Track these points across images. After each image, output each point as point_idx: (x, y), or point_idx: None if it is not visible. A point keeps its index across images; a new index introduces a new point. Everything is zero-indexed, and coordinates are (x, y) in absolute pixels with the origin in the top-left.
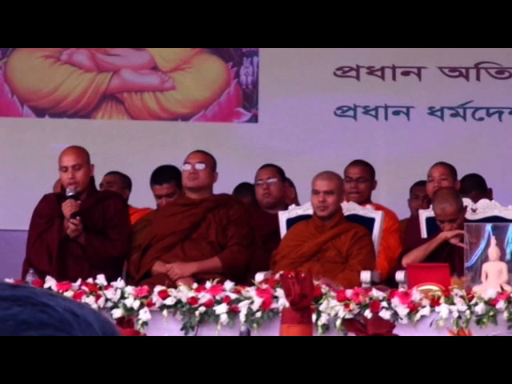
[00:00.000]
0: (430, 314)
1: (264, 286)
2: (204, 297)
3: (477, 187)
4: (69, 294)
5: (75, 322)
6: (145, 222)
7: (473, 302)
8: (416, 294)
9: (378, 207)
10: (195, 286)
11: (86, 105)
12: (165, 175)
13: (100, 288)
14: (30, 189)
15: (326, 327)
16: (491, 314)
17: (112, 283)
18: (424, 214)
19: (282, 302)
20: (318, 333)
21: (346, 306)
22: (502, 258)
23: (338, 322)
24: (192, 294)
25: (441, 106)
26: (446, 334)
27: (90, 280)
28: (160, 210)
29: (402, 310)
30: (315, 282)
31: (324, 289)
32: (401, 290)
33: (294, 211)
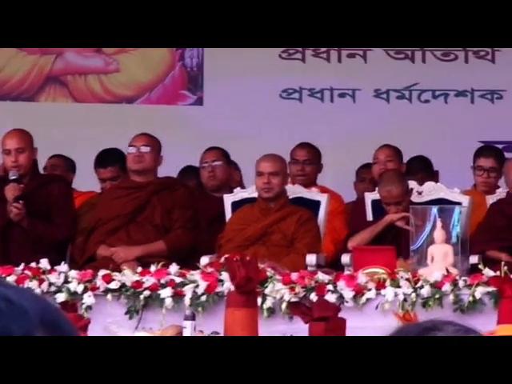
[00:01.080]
0: (375, 296)
1: (209, 270)
2: (148, 280)
3: (423, 169)
4: (11, 278)
5: (8, 310)
6: (89, 205)
7: (418, 284)
8: (362, 277)
9: (323, 190)
10: (140, 269)
11: (29, 87)
12: (109, 158)
13: (43, 272)
14: None
15: (271, 311)
16: (437, 296)
17: (56, 267)
18: (370, 197)
19: (227, 286)
20: (264, 316)
21: (292, 289)
22: (447, 240)
23: (284, 306)
24: (136, 277)
25: (386, 88)
26: (392, 316)
27: (33, 264)
28: (104, 193)
29: (348, 293)
30: (260, 266)
31: (269, 272)
32: (346, 272)
33: (239, 194)
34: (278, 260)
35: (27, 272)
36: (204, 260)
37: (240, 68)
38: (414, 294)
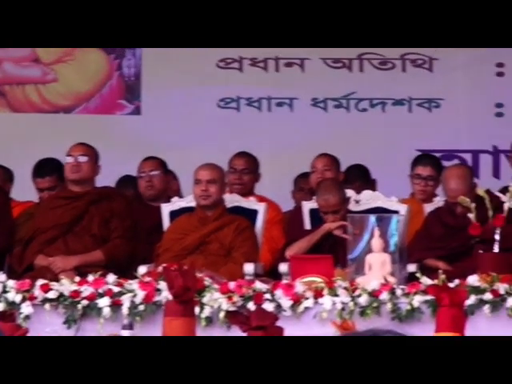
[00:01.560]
0: (313, 305)
1: (147, 279)
2: (86, 290)
3: (360, 178)
4: None
5: None
6: (27, 215)
7: (356, 293)
8: (299, 286)
9: (261, 199)
10: (77, 279)
11: None
12: (47, 168)
13: None
14: None
15: (209, 320)
16: (375, 305)
17: None
18: (307, 206)
19: (165, 295)
20: (202, 326)
21: (229, 298)
22: (385, 249)
23: (222, 315)
24: (74, 287)
25: (324, 97)
26: (330, 325)
27: None
28: (42, 203)
29: (286, 302)
30: (198, 275)
31: (207, 281)
32: (284, 281)
33: (177, 203)
34: (216, 269)
35: None
36: (142, 269)
37: (177, 77)
38: (351, 303)
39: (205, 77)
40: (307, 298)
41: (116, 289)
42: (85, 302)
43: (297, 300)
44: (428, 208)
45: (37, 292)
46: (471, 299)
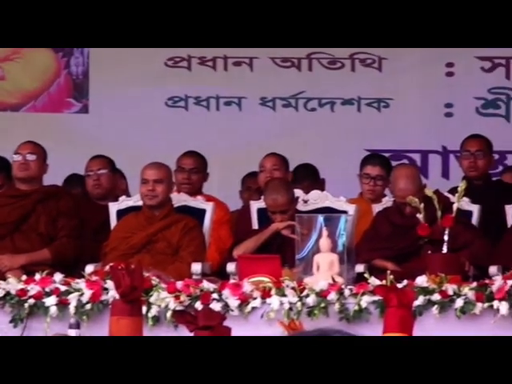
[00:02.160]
0: (261, 305)
1: (94, 278)
2: (33, 289)
3: (309, 178)
4: None
5: None
6: None
7: (304, 293)
8: (247, 286)
9: (209, 198)
10: (24, 277)
11: None
12: None
13: None
14: None
15: (156, 319)
16: (322, 305)
17: None
18: (255, 205)
19: (112, 294)
20: (149, 325)
21: (177, 297)
22: (333, 249)
23: (169, 314)
24: (21, 285)
25: (273, 96)
26: (277, 325)
27: None
28: None
29: (233, 302)
30: (145, 274)
31: (154, 280)
32: (232, 281)
33: (124, 202)
34: (163, 268)
35: None
36: (89, 268)
37: (126, 76)
38: (299, 303)
39: (153, 75)
40: (255, 298)
41: (63, 288)
42: (31, 301)
43: (244, 300)
44: (376, 208)
45: None
46: (419, 300)
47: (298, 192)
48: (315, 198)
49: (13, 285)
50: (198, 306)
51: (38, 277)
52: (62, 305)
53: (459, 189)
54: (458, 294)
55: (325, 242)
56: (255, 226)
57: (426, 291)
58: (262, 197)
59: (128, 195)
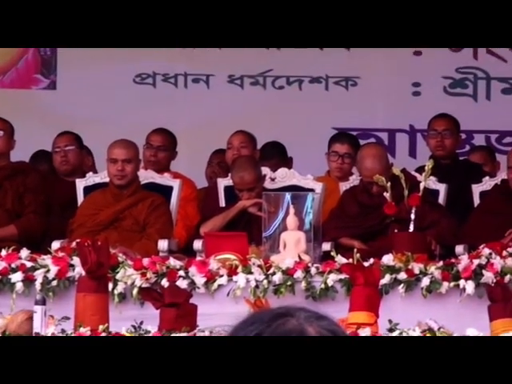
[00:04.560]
0: (227, 283)
1: (60, 255)
2: None
3: (277, 155)
4: None
5: None
6: None
7: (270, 271)
8: (213, 263)
9: (176, 175)
10: None
11: None
12: None
13: None
14: None
15: (122, 296)
16: (289, 283)
17: None
18: (222, 183)
19: (78, 271)
20: (115, 302)
21: (143, 274)
22: (300, 227)
23: (135, 291)
24: None
25: (241, 74)
26: (244, 303)
27: None
28: None
29: (199, 279)
30: (112, 251)
31: (121, 257)
32: (198, 258)
33: (91, 179)
34: (130, 245)
35: None
36: (55, 245)
37: (94, 52)
38: (265, 281)
39: (121, 52)
40: (221, 276)
41: (29, 264)
42: None
43: (211, 277)
44: (344, 186)
45: None
46: (386, 278)
47: (265, 170)
48: (282, 176)
49: None
50: (165, 283)
51: (3, 253)
52: (28, 281)
53: (426, 168)
54: (424, 273)
55: (291, 220)
56: (222, 203)
57: (392, 270)
58: (229, 174)
59: (95, 171)
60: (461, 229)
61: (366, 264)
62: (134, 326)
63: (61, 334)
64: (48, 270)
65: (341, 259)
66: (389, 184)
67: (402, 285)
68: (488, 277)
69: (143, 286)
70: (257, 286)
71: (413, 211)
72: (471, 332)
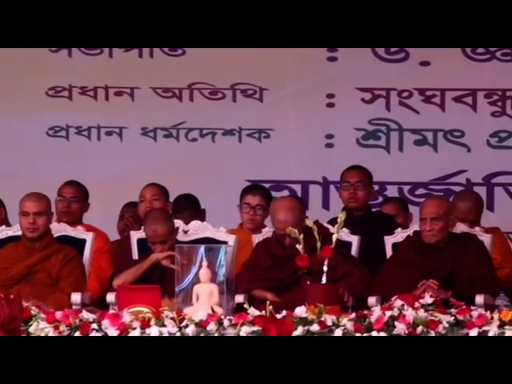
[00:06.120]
0: (140, 335)
1: None
2: None
3: (189, 208)
4: None
5: None
6: None
7: (183, 323)
8: (126, 316)
9: (89, 228)
10: None
11: None
12: None
13: None
14: None
15: None
16: (202, 335)
17: None
18: (135, 236)
19: None
20: None
21: (56, 327)
22: (213, 279)
23: None
24: None
25: (154, 126)
26: None
27: None
28: None
29: (112, 332)
30: (25, 304)
31: (34, 310)
32: (111, 311)
33: (3, 232)
34: (43, 299)
35: None
36: None
37: (6, 104)
38: (178, 333)
39: (34, 105)
40: (134, 328)
41: None
42: None
43: (124, 330)
44: (256, 238)
45: None
46: (298, 330)
47: (178, 222)
48: (195, 229)
49: None
50: (78, 336)
51: None
52: None
53: (339, 219)
54: (336, 325)
55: (204, 273)
56: (135, 256)
57: (305, 322)
58: (142, 227)
59: (7, 225)
60: (373, 280)
61: (278, 316)
62: None
63: None
64: None
65: (253, 311)
66: (301, 236)
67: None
68: (400, 328)
69: None
70: None
71: (325, 263)
72: None
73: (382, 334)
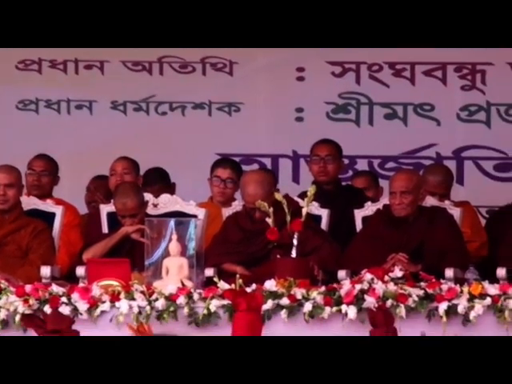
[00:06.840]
0: (110, 309)
1: None
2: None
3: (159, 181)
4: None
5: None
6: None
7: (153, 297)
8: (96, 290)
9: (58, 202)
10: None
11: None
12: None
13: None
14: None
15: (5, 323)
16: (171, 309)
17: None
18: (105, 209)
19: None
20: None
21: (25, 301)
22: (183, 253)
23: (17, 318)
24: None
25: (124, 100)
26: (126, 329)
27: None
28: None
29: (82, 306)
30: None
31: (3, 284)
32: (81, 285)
33: None
34: (13, 272)
35: None
36: None
37: None
38: (148, 307)
39: (3, 78)
40: (104, 302)
41: None
42: None
43: (93, 303)
44: (226, 212)
45: None
46: (268, 304)
47: (147, 196)
48: (165, 202)
49: None
50: (47, 309)
51: None
52: None
53: (308, 193)
54: (306, 298)
55: (174, 246)
56: (105, 229)
57: (274, 295)
58: (112, 200)
59: None
60: (343, 254)
61: (248, 290)
62: None
63: None
64: None
65: (223, 285)
66: (271, 209)
67: (284, 310)
68: (370, 302)
69: (25, 312)
70: (139, 312)
71: (295, 237)
72: None
73: (352, 307)
